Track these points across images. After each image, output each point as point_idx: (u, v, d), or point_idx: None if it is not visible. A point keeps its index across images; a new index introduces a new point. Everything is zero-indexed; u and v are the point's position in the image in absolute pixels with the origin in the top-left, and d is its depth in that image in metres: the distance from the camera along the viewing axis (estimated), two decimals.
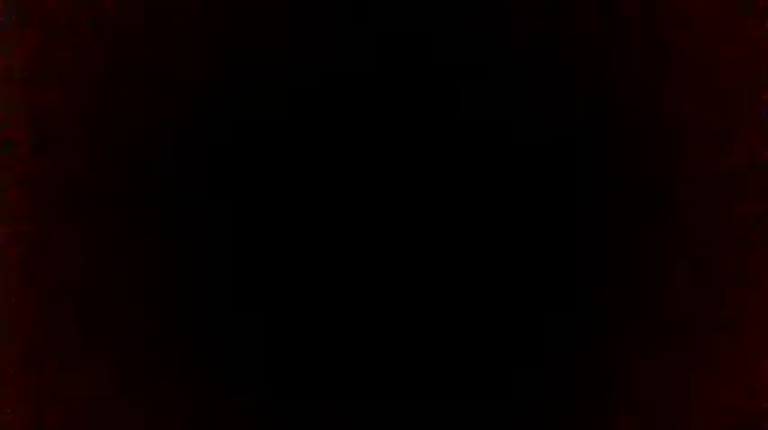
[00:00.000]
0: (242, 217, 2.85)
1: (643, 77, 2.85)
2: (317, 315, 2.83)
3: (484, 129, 2.85)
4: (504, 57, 2.85)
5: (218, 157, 2.86)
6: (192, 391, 2.81)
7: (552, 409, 2.79)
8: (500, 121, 2.84)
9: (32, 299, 2.84)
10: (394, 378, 2.81)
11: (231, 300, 2.84)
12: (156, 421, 2.81)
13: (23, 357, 2.82)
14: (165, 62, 2.87)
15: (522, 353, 2.80)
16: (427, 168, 2.85)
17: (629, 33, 2.84)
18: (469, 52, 2.85)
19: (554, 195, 2.83)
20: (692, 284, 2.80)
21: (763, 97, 2.82)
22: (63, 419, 2.81)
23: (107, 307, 2.83)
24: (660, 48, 2.84)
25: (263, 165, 2.86)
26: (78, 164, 2.86)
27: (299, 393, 2.82)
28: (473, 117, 2.85)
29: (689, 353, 2.79)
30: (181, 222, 2.84)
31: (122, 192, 2.85)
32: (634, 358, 2.79)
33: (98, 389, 2.81)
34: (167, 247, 2.84)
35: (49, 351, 2.82)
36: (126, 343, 2.82)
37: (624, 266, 2.81)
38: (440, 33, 2.86)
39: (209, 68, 2.87)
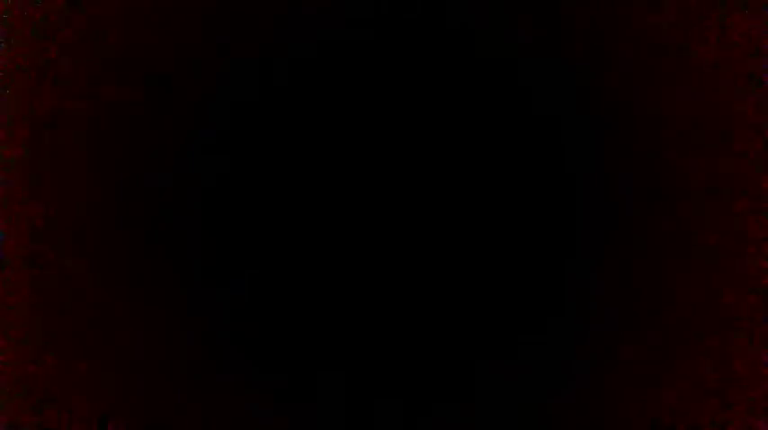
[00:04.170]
0: (241, 218, 2.86)
1: (643, 78, 2.84)
2: (314, 314, 2.84)
3: (482, 128, 2.85)
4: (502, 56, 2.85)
5: (217, 157, 2.86)
6: (192, 389, 2.82)
7: (550, 408, 2.79)
8: (499, 121, 2.84)
9: (33, 297, 2.85)
10: (393, 376, 2.82)
11: (230, 300, 2.84)
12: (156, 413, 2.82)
13: (23, 356, 2.84)
14: (164, 62, 2.87)
15: (520, 351, 2.81)
16: (423, 162, 2.86)
17: (630, 34, 2.84)
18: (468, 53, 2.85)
19: (553, 195, 2.83)
20: (690, 283, 2.81)
21: (763, 97, 2.82)
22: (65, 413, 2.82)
23: (107, 304, 2.84)
24: (661, 48, 2.83)
25: (262, 165, 2.86)
26: (78, 164, 2.87)
27: (297, 393, 2.83)
28: (472, 116, 2.85)
29: (687, 351, 2.79)
30: (181, 222, 2.85)
31: (122, 191, 2.85)
32: (630, 356, 2.79)
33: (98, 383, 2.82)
34: (167, 248, 2.85)
35: (49, 347, 2.83)
36: (125, 341, 2.83)
37: (623, 265, 2.82)
38: (440, 36, 2.86)
39: (207, 67, 2.87)
